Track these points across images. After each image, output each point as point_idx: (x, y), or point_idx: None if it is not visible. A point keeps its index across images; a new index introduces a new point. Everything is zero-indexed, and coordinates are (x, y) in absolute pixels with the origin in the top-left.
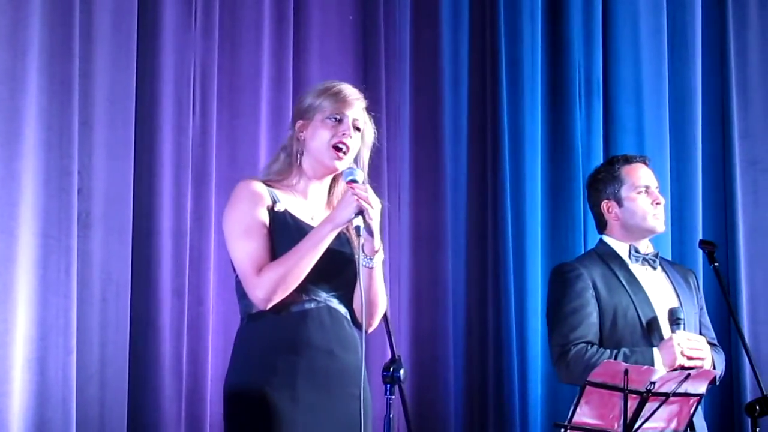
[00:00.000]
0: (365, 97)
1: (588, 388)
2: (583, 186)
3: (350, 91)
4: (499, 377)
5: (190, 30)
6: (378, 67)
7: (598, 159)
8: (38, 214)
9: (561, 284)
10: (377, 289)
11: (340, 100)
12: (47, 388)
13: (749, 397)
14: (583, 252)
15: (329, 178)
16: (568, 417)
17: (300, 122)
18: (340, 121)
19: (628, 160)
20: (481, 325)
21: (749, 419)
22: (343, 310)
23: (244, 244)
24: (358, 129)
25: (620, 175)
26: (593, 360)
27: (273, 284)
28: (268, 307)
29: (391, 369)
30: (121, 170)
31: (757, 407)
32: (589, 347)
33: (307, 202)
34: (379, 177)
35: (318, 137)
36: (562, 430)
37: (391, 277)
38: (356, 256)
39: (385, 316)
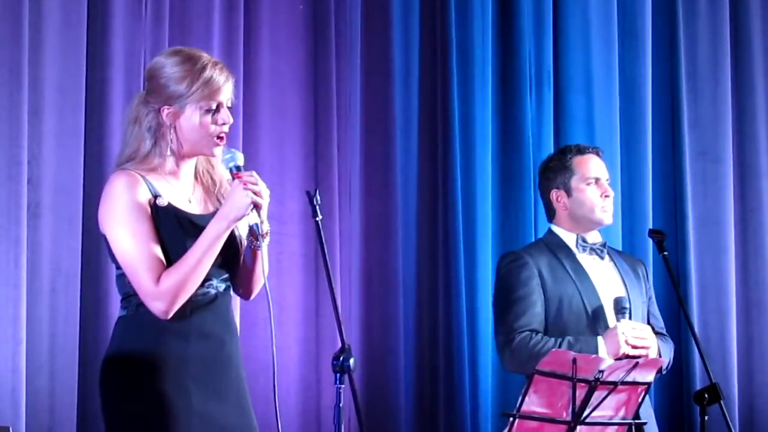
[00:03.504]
0: (314, 87)
1: (536, 377)
2: (533, 176)
3: (219, 75)
4: (449, 367)
5: (140, 19)
6: (328, 58)
7: (549, 149)
8: None
9: (506, 273)
10: (265, 266)
11: (212, 89)
12: None
13: (698, 386)
14: (532, 241)
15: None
16: (517, 406)
17: (167, 109)
18: (216, 110)
19: (580, 150)
20: (432, 314)
21: (698, 407)
22: (229, 292)
23: (135, 249)
24: (230, 107)
25: (571, 165)
26: (537, 348)
27: (174, 294)
28: (170, 316)
29: (341, 358)
30: (71, 160)
31: (706, 395)
32: (533, 335)
33: (179, 182)
34: (329, 167)
35: (196, 130)
36: (511, 419)
37: (341, 268)
38: (250, 245)
39: (334, 304)
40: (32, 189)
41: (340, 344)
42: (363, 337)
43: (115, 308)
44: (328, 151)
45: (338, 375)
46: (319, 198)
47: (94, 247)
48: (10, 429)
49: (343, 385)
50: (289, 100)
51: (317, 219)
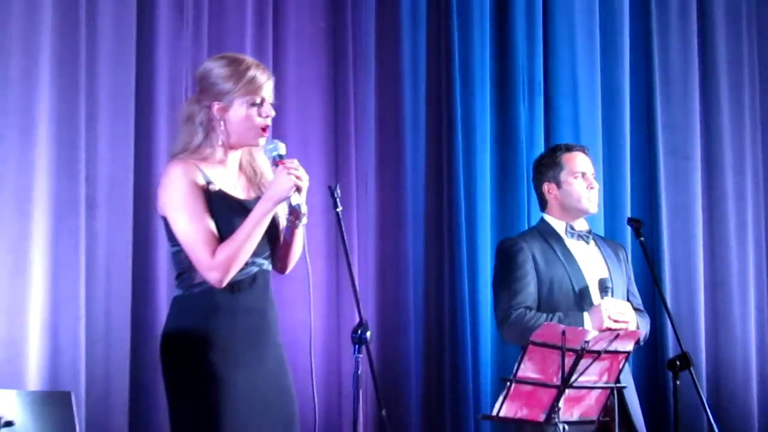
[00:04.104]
0: (334, 97)
1: (530, 347)
2: (526, 171)
3: (261, 74)
4: (453, 339)
5: (182, 36)
6: (347, 68)
7: (540, 148)
8: (50, 198)
9: (505, 257)
10: (300, 243)
11: (256, 86)
12: (60, 351)
13: (671, 354)
14: (526, 228)
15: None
16: (513, 372)
17: (217, 104)
18: (260, 105)
19: (569, 148)
20: (438, 293)
21: (671, 373)
22: (270, 268)
23: (193, 227)
24: (271, 103)
25: (561, 161)
26: (531, 322)
27: (227, 265)
28: (223, 285)
29: (359, 331)
30: (123, 159)
31: (678, 363)
32: (528, 311)
33: (227, 170)
34: (348, 165)
35: (242, 122)
36: (508, 383)
37: (359, 253)
38: (289, 224)
39: (353, 285)
40: (89, 184)
41: (358, 319)
42: (378, 313)
43: (162, 288)
44: (347, 150)
45: (357, 346)
46: (339, 192)
47: (143, 235)
48: (72, 394)
49: (361, 355)
50: (312, 105)
51: (337, 210)
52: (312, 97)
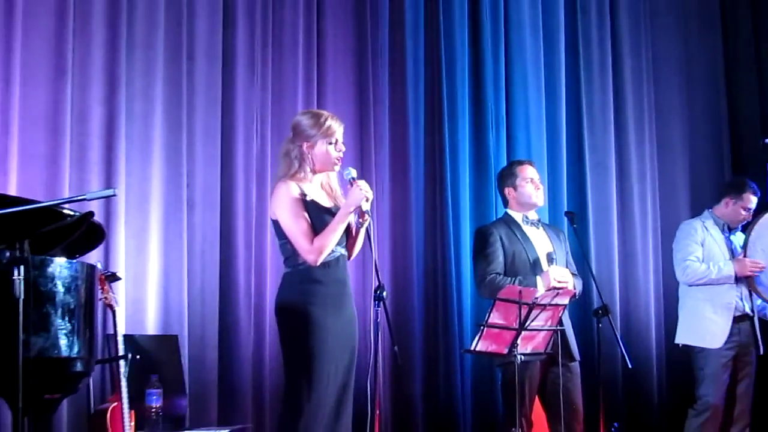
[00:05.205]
0: (360, 127)
1: (497, 302)
2: (493, 180)
3: (335, 123)
4: (444, 296)
5: (253, 87)
6: (368, 109)
7: (503, 163)
8: (162, 200)
9: (481, 238)
10: (362, 239)
11: (332, 131)
12: (169, 308)
13: (595, 305)
14: (494, 219)
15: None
16: (485, 319)
17: (306, 143)
18: (335, 143)
19: (521, 162)
20: (434, 264)
21: (595, 319)
22: (346, 254)
23: (297, 225)
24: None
25: (516, 171)
26: (501, 284)
27: (320, 250)
28: (318, 264)
29: (378, 291)
30: (212, 173)
31: (600, 311)
32: (497, 276)
33: (313, 186)
34: (369, 176)
35: (324, 155)
36: (481, 327)
37: (378, 236)
38: (358, 224)
39: (374, 257)
40: (189, 190)
41: (377, 282)
42: (391, 278)
43: (240, 263)
44: (369, 165)
45: (376, 302)
46: None
47: (227, 226)
48: (178, 337)
49: (379, 308)
50: (344, 135)
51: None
52: (344, 130)
